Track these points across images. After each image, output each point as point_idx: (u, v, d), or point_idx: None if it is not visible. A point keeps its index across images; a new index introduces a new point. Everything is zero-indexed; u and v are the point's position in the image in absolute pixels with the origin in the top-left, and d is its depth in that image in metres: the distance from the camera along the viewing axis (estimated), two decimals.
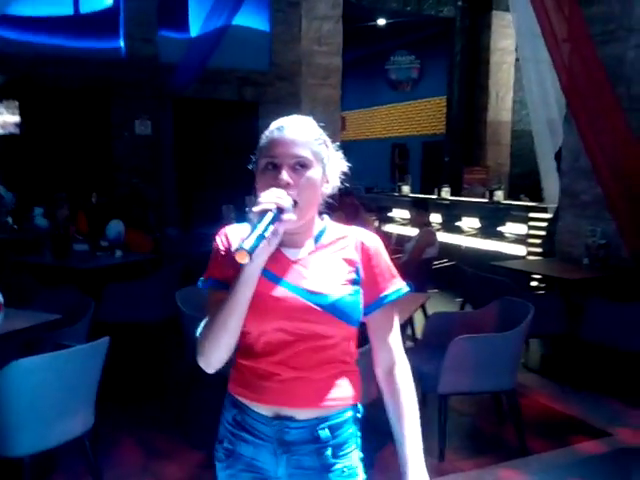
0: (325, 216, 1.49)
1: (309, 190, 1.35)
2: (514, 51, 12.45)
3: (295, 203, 1.31)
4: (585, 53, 4.61)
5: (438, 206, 8.27)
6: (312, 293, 1.36)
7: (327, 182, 1.43)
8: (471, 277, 4.93)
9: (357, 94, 15.22)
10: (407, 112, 15.14)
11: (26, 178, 8.47)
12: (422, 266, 5.24)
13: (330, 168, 1.43)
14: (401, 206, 9.10)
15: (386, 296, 1.42)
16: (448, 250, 6.69)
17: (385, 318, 1.45)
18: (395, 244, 7.50)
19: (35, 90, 8.36)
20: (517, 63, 12.60)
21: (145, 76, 8.74)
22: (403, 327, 3.38)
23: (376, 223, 8.35)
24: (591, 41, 4.65)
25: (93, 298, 3.54)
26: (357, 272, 1.41)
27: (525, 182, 11.61)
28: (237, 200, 8.69)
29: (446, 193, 8.55)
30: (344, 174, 1.51)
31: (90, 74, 8.57)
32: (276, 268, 1.38)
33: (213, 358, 1.34)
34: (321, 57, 9.88)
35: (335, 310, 1.35)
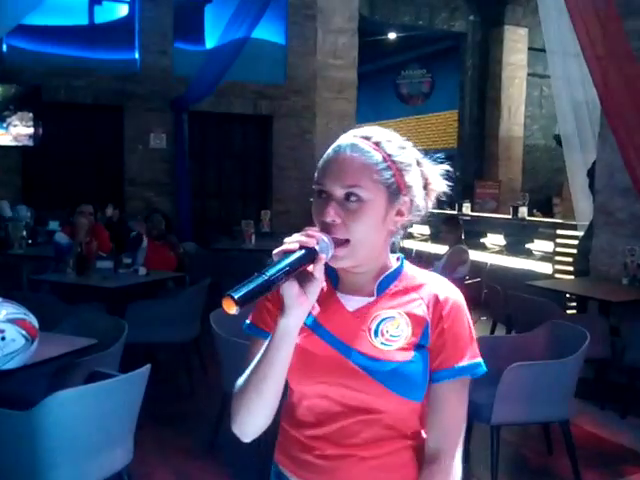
0: (400, 256, 1.23)
1: (362, 228, 1.10)
2: (525, 66, 12.43)
3: (345, 241, 1.09)
4: (626, 69, 4.49)
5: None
6: (363, 356, 1.12)
7: (402, 214, 1.15)
8: (508, 297, 4.76)
9: (368, 108, 15.12)
10: (418, 126, 15.05)
11: (40, 191, 8.32)
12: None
13: (415, 194, 1.16)
14: (420, 221, 8.88)
15: (459, 369, 1.13)
16: (472, 267, 6.52)
17: (450, 395, 1.14)
18: (418, 261, 7.33)
19: (48, 101, 8.23)
20: (529, 78, 12.58)
21: (160, 89, 8.63)
22: None
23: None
24: (632, 56, 4.53)
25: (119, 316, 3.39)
26: (425, 335, 1.14)
27: (538, 197, 11.51)
28: (252, 214, 8.57)
29: (467, 209, 8.42)
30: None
31: (104, 86, 8.46)
32: (326, 318, 1.17)
33: (247, 427, 1.14)
34: (336, 70, 9.79)
35: (390, 381, 1.10)
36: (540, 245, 7.02)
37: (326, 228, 1.09)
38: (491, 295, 5.15)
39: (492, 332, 5.20)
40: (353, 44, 9.87)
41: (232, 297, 0.94)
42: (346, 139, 1.14)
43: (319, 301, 1.15)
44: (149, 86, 8.61)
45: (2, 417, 2.23)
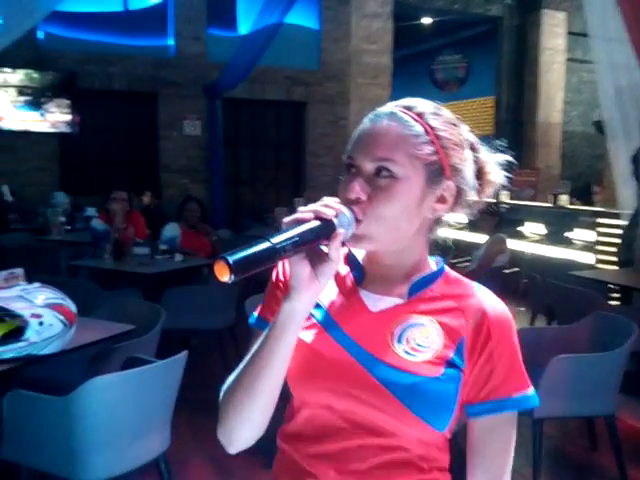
0: (440, 259, 1.05)
1: (390, 208, 0.93)
2: (564, 51, 12.11)
3: (356, 220, 0.92)
4: None
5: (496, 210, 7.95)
6: (380, 362, 0.94)
7: (444, 202, 0.98)
8: (549, 288, 4.64)
9: (402, 94, 14.78)
10: (453, 112, 14.73)
11: (77, 177, 8.40)
12: (492, 275, 4.97)
13: (464, 180, 0.98)
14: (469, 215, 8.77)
15: (503, 402, 0.95)
16: (510, 256, 6.40)
17: (491, 431, 0.97)
18: (454, 250, 7.21)
19: (84, 88, 8.28)
20: (568, 63, 12.27)
21: (194, 75, 8.62)
22: None
23: None
24: None
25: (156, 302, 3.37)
26: (459, 352, 0.95)
27: (576, 185, 11.26)
28: (285, 202, 8.53)
29: (505, 196, 8.24)
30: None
31: (139, 72, 8.48)
32: (343, 316, 0.99)
33: (235, 434, 0.95)
34: (370, 56, 9.66)
35: (410, 397, 0.91)
36: (581, 234, 6.84)
37: (350, 206, 0.93)
38: (530, 285, 5.03)
39: (531, 323, 5.08)
40: (387, 29, 9.73)
41: (226, 261, 0.77)
42: (384, 108, 0.99)
43: (338, 296, 1.01)
44: (183, 72, 8.61)
45: (40, 402, 2.23)
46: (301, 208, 0.88)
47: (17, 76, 8.12)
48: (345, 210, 0.90)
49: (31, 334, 2.28)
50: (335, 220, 0.88)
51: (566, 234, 7.03)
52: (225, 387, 0.96)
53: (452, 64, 14.53)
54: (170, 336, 3.70)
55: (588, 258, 6.54)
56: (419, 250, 1.01)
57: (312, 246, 0.87)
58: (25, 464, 2.31)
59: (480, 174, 1.03)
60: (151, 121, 8.81)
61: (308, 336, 0.98)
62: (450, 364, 0.94)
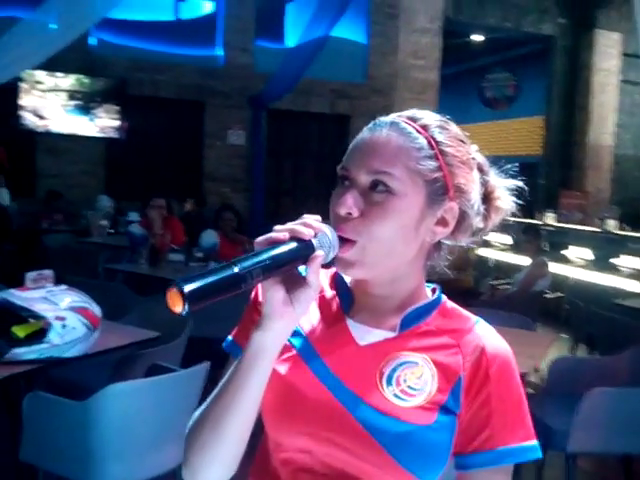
0: (437, 288, 0.96)
1: (385, 227, 0.83)
2: (618, 72, 11.82)
3: (345, 241, 0.82)
4: None
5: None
6: (367, 407, 0.84)
7: (445, 224, 0.88)
8: (592, 316, 4.46)
9: (449, 111, 14.72)
10: (501, 131, 14.59)
11: (121, 182, 8.53)
12: (532, 299, 4.82)
13: (468, 203, 0.89)
14: (501, 230, 8.57)
15: (501, 453, 0.84)
16: (553, 281, 6.21)
17: None
18: (495, 271, 7.06)
19: (133, 95, 8.43)
20: (621, 85, 11.96)
21: (240, 85, 8.68)
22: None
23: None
24: None
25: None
26: (455, 394, 0.85)
27: (626, 210, 10.93)
28: (325, 214, 8.47)
29: (551, 219, 8.06)
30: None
31: (187, 81, 8.59)
32: (327, 348, 0.89)
33: (200, 476, 0.85)
34: (418, 71, 9.59)
35: (398, 448, 0.81)
36: (628, 261, 6.59)
37: (339, 223, 0.83)
38: (573, 312, 4.86)
39: (572, 351, 4.90)
40: (436, 44, 9.64)
41: (180, 289, 0.67)
42: (387, 118, 0.90)
43: (321, 324, 0.91)
44: (230, 82, 8.68)
45: (58, 405, 2.22)
46: (277, 227, 0.80)
47: (68, 81, 8.31)
48: (327, 229, 0.81)
49: (54, 336, 2.28)
50: (314, 241, 0.79)
51: (613, 260, 6.79)
52: (191, 422, 0.87)
53: (501, 82, 14.35)
54: (197, 344, 3.68)
55: (635, 286, 6.30)
56: (415, 278, 0.91)
57: (287, 270, 0.78)
58: (42, 467, 2.29)
59: (487, 199, 0.94)
60: (196, 129, 8.90)
61: (285, 368, 0.87)
62: (444, 409, 0.84)
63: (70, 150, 8.44)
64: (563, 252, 7.43)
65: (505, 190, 0.96)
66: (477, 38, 12.87)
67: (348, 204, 0.83)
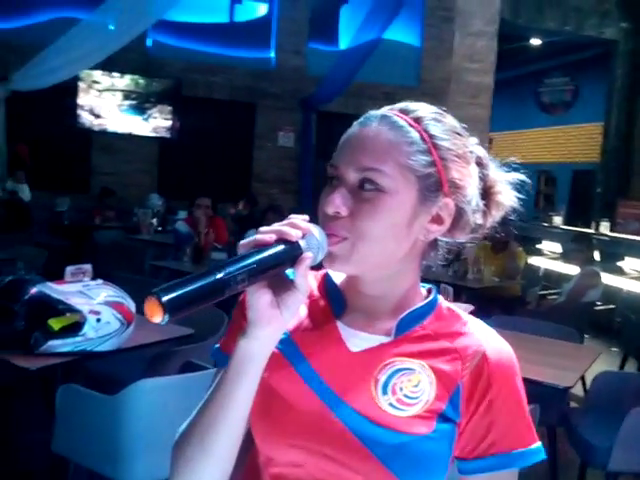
0: (433, 289, 0.91)
1: (375, 226, 0.79)
2: None
3: (334, 237, 0.79)
4: None
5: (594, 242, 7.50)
6: (361, 418, 0.79)
7: (440, 222, 0.83)
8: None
9: (503, 115, 14.53)
10: (557, 137, 14.24)
11: (173, 181, 8.68)
12: (581, 310, 4.66)
13: (465, 199, 0.84)
14: (552, 238, 8.40)
15: (505, 458, 0.80)
16: (605, 292, 6.01)
17: None
18: (543, 280, 6.86)
19: (187, 96, 8.56)
20: None
21: (292, 88, 8.72)
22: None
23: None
24: None
25: (224, 311, 3.36)
26: (454, 402, 0.81)
27: None
28: None
29: (605, 228, 7.79)
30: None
31: (239, 83, 8.68)
32: (317, 355, 0.84)
33: None
34: (472, 75, 9.43)
35: (395, 461, 0.77)
36: None
37: (328, 222, 0.80)
38: (624, 325, 4.67)
39: (622, 367, 4.71)
40: (492, 48, 9.47)
41: (159, 298, 0.63)
42: (378, 111, 0.84)
43: (311, 329, 0.86)
44: (282, 85, 8.73)
45: (89, 398, 2.25)
46: (262, 228, 0.75)
47: (124, 81, 8.51)
48: (315, 230, 0.77)
49: (88, 330, 2.31)
50: (302, 242, 0.75)
51: None
52: (177, 436, 0.83)
53: (559, 87, 14.01)
54: None
55: None
56: (409, 277, 0.86)
57: (274, 273, 0.74)
58: (73, 459, 2.33)
59: (487, 194, 0.89)
60: (247, 131, 8.98)
61: (274, 377, 0.83)
62: (442, 418, 0.80)
63: (124, 149, 8.63)
64: (618, 263, 7.18)
65: (506, 184, 0.90)
66: (535, 42, 12.58)
67: (336, 203, 0.79)
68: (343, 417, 0.80)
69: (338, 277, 0.91)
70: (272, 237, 0.74)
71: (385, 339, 0.84)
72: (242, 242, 0.74)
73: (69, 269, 2.52)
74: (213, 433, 0.78)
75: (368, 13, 7.76)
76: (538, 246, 8.82)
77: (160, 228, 7.15)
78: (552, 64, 13.87)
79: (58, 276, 2.51)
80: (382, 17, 7.61)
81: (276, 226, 0.75)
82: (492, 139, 12.69)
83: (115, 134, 8.54)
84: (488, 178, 0.89)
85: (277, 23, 8.86)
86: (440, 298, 0.90)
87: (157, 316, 0.65)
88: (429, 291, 0.91)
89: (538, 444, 0.83)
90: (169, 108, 8.68)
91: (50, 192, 7.72)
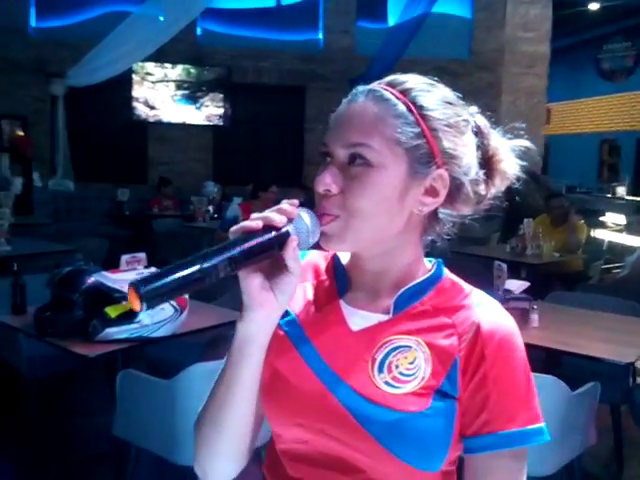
0: (438, 262, 0.90)
1: (366, 201, 0.79)
2: None
3: (326, 215, 0.80)
4: None
5: None
6: (358, 396, 0.80)
7: (435, 194, 0.82)
8: None
9: (562, 84, 14.04)
10: (620, 105, 13.67)
11: (227, 168, 8.78)
12: None
13: (461, 169, 0.83)
14: (615, 210, 8.09)
15: (507, 436, 0.78)
16: None
17: (496, 473, 0.80)
18: (607, 253, 6.62)
19: (237, 83, 8.62)
20: None
21: (341, 68, 8.64)
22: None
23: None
24: None
25: None
26: (451, 377, 0.80)
27: None
28: None
29: None
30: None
31: (288, 67, 8.67)
32: (319, 334, 0.86)
33: (208, 468, 0.86)
34: (526, 44, 9.13)
35: (390, 438, 0.78)
36: None
37: (320, 201, 0.81)
38: None
39: None
40: (546, 15, 9.14)
41: (137, 289, 0.66)
42: (366, 86, 0.84)
43: (315, 308, 0.88)
44: (331, 66, 8.67)
45: (147, 383, 2.30)
46: (253, 215, 0.76)
47: (176, 71, 8.63)
48: (305, 214, 0.78)
49: (143, 317, 2.37)
50: (289, 227, 0.76)
51: None
52: (196, 417, 0.87)
53: (620, 53, 13.42)
54: None
55: None
56: (410, 253, 0.86)
57: (261, 259, 0.75)
58: (134, 442, 2.40)
59: (488, 163, 0.87)
60: (297, 114, 8.98)
61: (276, 358, 0.85)
62: (440, 394, 0.80)
63: (179, 138, 8.78)
64: None
65: (509, 151, 0.89)
66: (593, 6, 12.07)
67: (326, 182, 0.80)
68: (341, 396, 0.81)
69: (345, 257, 0.92)
70: (259, 224, 0.75)
71: (384, 317, 0.85)
72: (232, 229, 0.75)
73: (124, 258, 2.59)
74: (223, 413, 0.82)
75: None
76: (601, 218, 8.53)
77: (216, 215, 7.24)
78: (612, 29, 13.29)
79: (118, 265, 2.58)
80: None
81: (265, 213, 0.76)
82: (550, 109, 12.30)
83: (169, 124, 8.69)
84: (489, 147, 0.87)
85: (324, 4, 8.79)
86: (446, 272, 0.89)
87: (137, 305, 0.67)
88: (434, 266, 0.89)
89: (539, 424, 0.80)
90: (220, 96, 8.76)
91: (111, 184, 7.94)
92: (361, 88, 0.84)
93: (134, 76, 8.41)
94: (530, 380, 0.82)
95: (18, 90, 8.10)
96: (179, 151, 8.76)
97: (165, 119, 8.71)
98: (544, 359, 2.71)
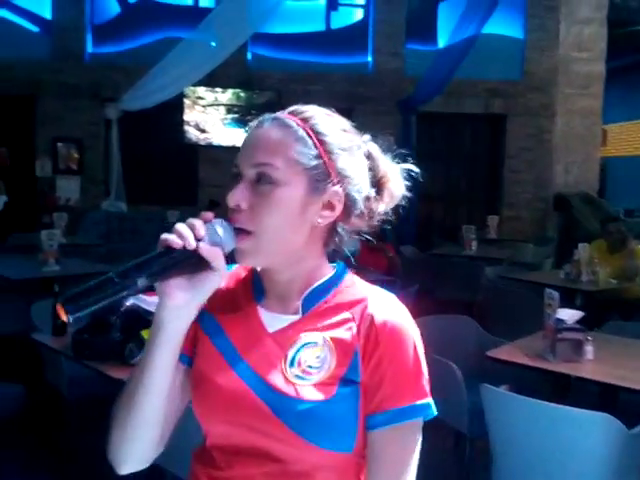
0: (340, 265, 1.01)
1: (272, 217, 0.91)
2: None
3: (241, 231, 0.90)
4: None
5: None
6: (272, 390, 0.90)
7: (332, 208, 0.95)
8: None
9: (619, 105, 13.65)
10: None
11: None
12: None
13: (354, 187, 0.96)
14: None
15: (398, 411, 0.90)
16: None
17: (389, 446, 0.92)
18: None
19: (285, 106, 8.65)
20: None
21: (390, 90, 8.61)
22: None
23: None
24: None
25: None
26: (353, 365, 0.92)
27: None
28: (479, 219, 8.15)
29: None
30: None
31: (336, 89, 8.67)
32: (239, 337, 0.96)
33: (121, 453, 0.93)
34: (581, 64, 8.93)
35: (302, 426, 0.88)
36: None
37: (232, 215, 0.92)
38: None
39: None
40: (601, 35, 8.93)
41: (62, 304, 0.76)
42: (271, 114, 0.98)
43: (237, 318, 0.98)
44: (379, 88, 8.64)
45: None
46: (177, 225, 0.85)
47: (226, 95, 8.74)
48: (219, 227, 0.87)
49: None
50: (201, 243, 0.84)
51: None
52: (113, 406, 0.94)
53: None
54: None
55: None
56: (313, 261, 0.98)
57: (174, 274, 0.84)
58: (168, 469, 2.35)
59: (378, 183, 1.02)
60: None
61: (202, 361, 0.95)
62: (344, 381, 0.91)
63: (229, 161, 8.70)
64: None
65: (397, 174, 1.03)
66: None
67: (236, 198, 0.91)
68: (260, 393, 0.91)
69: (259, 267, 1.02)
70: (179, 242, 0.83)
71: (294, 317, 0.96)
72: (162, 236, 0.83)
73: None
74: (138, 395, 0.89)
75: (466, 8, 7.53)
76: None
77: None
78: None
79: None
80: (480, 12, 7.36)
81: (179, 226, 0.84)
82: (606, 131, 11.97)
83: (220, 147, 8.79)
84: (379, 169, 1.02)
85: (374, 26, 8.79)
86: (347, 273, 1.01)
87: (62, 315, 0.77)
88: (337, 269, 1.00)
89: (426, 400, 0.92)
90: None
91: (160, 206, 8.05)
92: (267, 116, 0.97)
93: (185, 100, 8.56)
94: (419, 362, 0.93)
95: (74, 114, 8.34)
96: (228, 174, 8.82)
97: (215, 142, 8.81)
98: (599, 394, 2.56)
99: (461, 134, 9.16)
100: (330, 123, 0.97)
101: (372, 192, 0.99)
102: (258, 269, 1.01)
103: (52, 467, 3.25)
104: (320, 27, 8.83)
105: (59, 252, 4.58)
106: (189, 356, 0.98)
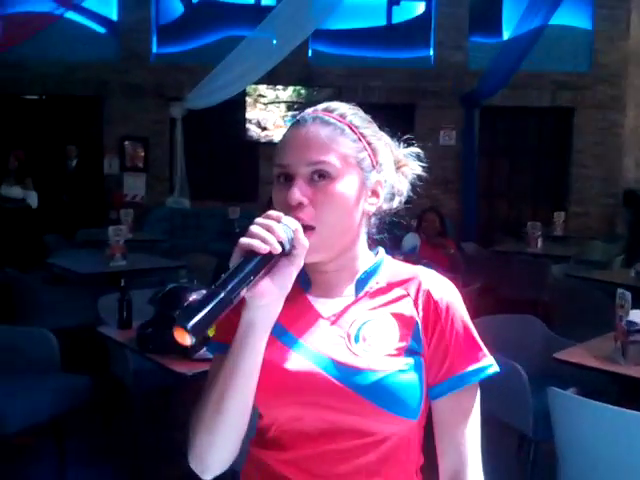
0: (381, 250, 1.08)
1: (334, 210, 0.95)
2: None
3: (305, 228, 0.91)
4: None
5: None
6: (342, 366, 0.94)
7: (377, 195, 1.02)
8: None
9: None
10: None
11: None
12: None
13: (387, 173, 1.04)
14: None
15: (462, 376, 0.97)
16: None
17: (457, 407, 0.99)
18: None
19: (347, 103, 8.63)
20: None
21: (452, 84, 8.47)
22: None
23: None
24: None
25: None
26: (416, 337, 0.97)
27: None
28: (543, 216, 7.92)
29: None
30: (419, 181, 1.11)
31: (397, 85, 8.59)
32: (297, 326, 0.99)
33: (208, 457, 0.92)
34: None
35: (378, 395, 0.92)
36: None
37: (294, 212, 0.93)
38: None
39: None
40: None
41: (184, 327, 0.77)
42: (310, 112, 1.02)
43: (289, 308, 0.97)
44: (441, 82, 8.51)
45: None
46: (253, 229, 0.86)
47: (287, 93, 8.79)
48: (289, 224, 0.88)
49: None
50: (285, 244, 0.86)
51: None
52: (195, 410, 0.94)
53: None
54: None
55: None
56: (360, 247, 1.04)
57: (266, 271, 0.86)
58: None
59: (398, 167, 1.09)
60: (406, 132, 8.82)
61: (270, 357, 0.95)
62: (409, 352, 0.96)
63: None
64: None
65: (410, 157, 1.11)
66: None
67: (296, 196, 0.93)
68: (328, 369, 0.94)
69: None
70: (266, 248, 0.84)
71: (349, 300, 1.01)
72: (241, 241, 0.85)
73: (224, 276, 2.59)
74: (227, 399, 0.90)
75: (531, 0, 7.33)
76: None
77: None
78: None
79: None
80: (548, 2, 7.14)
81: (257, 229, 0.86)
82: None
83: None
84: (395, 154, 1.09)
85: (436, 20, 8.66)
86: (386, 257, 1.06)
87: (186, 340, 0.77)
88: (378, 253, 1.07)
89: (489, 360, 0.99)
90: None
91: (222, 202, 8.17)
92: (304, 116, 1.01)
93: (247, 98, 8.64)
94: (471, 328, 1.00)
95: (140, 113, 8.55)
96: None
97: (276, 139, 8.86)
98: None
99: (526, 128, 8.91)
100: (360, 116, 1.04)
101: (397, 175, 1.08)
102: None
103: (117, 455, 3.34)
104: (381, 22, 8.75)
105: (125, 247, 4.69)
106: None
